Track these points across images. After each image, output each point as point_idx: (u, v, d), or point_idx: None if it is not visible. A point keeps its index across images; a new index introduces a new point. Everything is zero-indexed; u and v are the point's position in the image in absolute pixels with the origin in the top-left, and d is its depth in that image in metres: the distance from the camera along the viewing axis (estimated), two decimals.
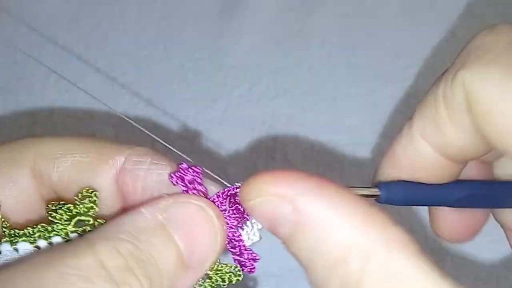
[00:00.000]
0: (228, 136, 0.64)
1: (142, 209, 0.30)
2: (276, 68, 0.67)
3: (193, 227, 0.30)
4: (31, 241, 0.30)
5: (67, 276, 0.26)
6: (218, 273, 0.33)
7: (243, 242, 0.33)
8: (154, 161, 0.33)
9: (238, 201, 0.32)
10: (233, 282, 0.33)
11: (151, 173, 0.33)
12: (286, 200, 0.28)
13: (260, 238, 0.34)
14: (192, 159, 0.33)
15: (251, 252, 0.33)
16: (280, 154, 0.64)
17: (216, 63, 0.67)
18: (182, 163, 0.32)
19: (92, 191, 0.32)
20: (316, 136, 0.64)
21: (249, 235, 0.33)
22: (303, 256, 0.28)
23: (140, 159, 0.33)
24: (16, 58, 0.67)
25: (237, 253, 0.33)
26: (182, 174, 0.32)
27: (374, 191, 0.34)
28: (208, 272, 0.32)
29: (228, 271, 0.33)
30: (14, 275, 0.26)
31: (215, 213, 0.31)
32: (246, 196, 0.29)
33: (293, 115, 0.65)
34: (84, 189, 0.32)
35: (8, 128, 0.65)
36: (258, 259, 0.33)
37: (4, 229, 0.31)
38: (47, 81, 0.66)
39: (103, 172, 0.33)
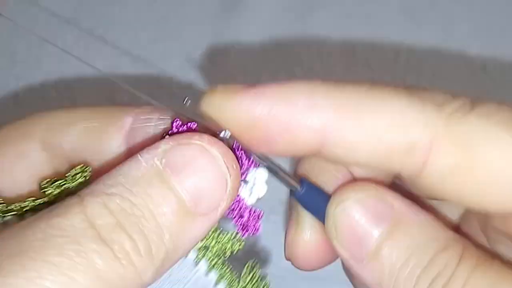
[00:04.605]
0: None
1: (139, 155, 0.27)
2: (276, 68, 0.67)
3: (195, 170, 0.27)
4: (19, 214, 0.29)
5: (53, 238, 0.24)
6: (219, 242, 0.30)
7: (243, 201, 0.30)
8: (162, 117, 0.32)
9: (236, 148, 0.29)
10: (236, 252, 0.31)
11: (159, 129, 0.32)
12: (384, 200, 0.29)
13: (265, 191, 0.30)
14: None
15: (253, 210, 0.30)
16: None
17: (216, 63, 0.67)
18: (176, 120, 0.29)
19: (85, 167, 0.31)
20: None
21: (251, 190, 0.30)
22: (397, 258, 0.29)
23: (148, 116, 0.33)
24: (16, 58, 0.67)
25: (237, 215, 0.30)
26: (175, 132, 0.29)
27: (295, 184, 0.31)
28: (207, 243, 0.30)
29: (227, 239, 0.30)
30: None
31: (221, 151, 0.28)
32: (344, 196, 0.30)
33: None
34: (77, 166, 0.31)
35: None
36: (261, 216, 0.30)
37: None
38: (47, 81, 0.66)
39: (113, 134, 0.33)
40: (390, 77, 0.65)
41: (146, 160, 0.27)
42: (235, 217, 0.30)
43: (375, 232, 0.29)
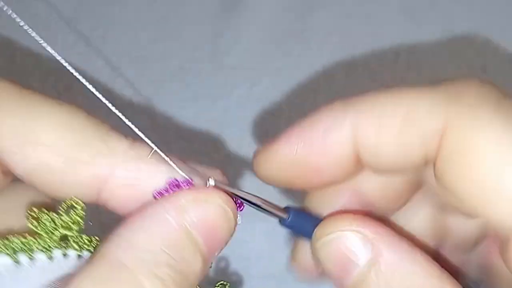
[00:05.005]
0: (228, 136, 0.64)
1: (166, 215, 0.27)
2: (276, 68, 0.67)
3: (214, 228, 0.29)
4: (9, 254, 0.27)
5: None
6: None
7: None
8: (146, 167, 0.29)
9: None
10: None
11: (148, 180, 0.29)
12: (364, 238, 0.29)
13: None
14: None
15: None
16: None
17: (216, 63, 0.67)
18: (172, 180, 0.29)
19: (78, 203, 0.29)
20: None
21: None
22: None
23: (130, 170, 0.29)
24: (16, 58, 0.67)
25: None
26: (169, 191, 0.29)
27: (282, 213, 0.33)
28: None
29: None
30: None
31: (233, 210, 0.30)
32: (322, 232, 0.30)
33: (292, 115, 0.65)
34: (70, 199, 0.29)
35: None
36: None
37: None
38: (47, 81, 0.66)
39: (79, 179, 0.28)
40: (390, 77, 0.65)
41: (175, 221, 0.28)
42: None
43: (353, 271, 0.29)
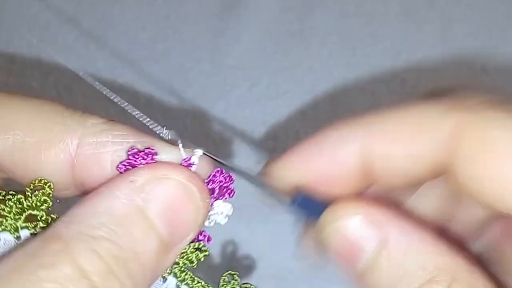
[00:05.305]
0: (228, 136, 0.64)
1: (117, 192, 0.27)
2: (276, 68, 0.67)
3: (175, 207, 0.27)
4: None
5: None
6: (183, 256, 0.30)
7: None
8: (116, 137, 0.29)
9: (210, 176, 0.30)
10: (202, 260, 0.30)
11: (117, 152, 0.28)
12: (372, 222, 0.29)
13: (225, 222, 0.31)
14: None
15: (205, 233, 0.30)
16: (281, 154, 0.63)
17: (216, 63, 0.67)
18: (133, 148, 0.28)
19: (46, 183, 0.29)
20: None
21: (213, 217, 0.30)
22: (384, 282, 0.29)
23: (98, 139, 0.29)
24: (16, 58, 0.67)
25: None
26: (131, 161, 0.28)
27: (287, 199, 0.32)
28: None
29: (193, 249, 0.30)
30: None
31: (198, 186, 0.28)
32: (328, 219, 0.30)
33: (293, 115, 0.65)
34: (36, 179, 0.29)
35: None
36: (209, 240, 0.31)
37: None
38: (46, 81, 0.66)
39: (52, 157, 0.28)
40: (390, 77, 0.65)
41: (125, 197, 0.26)
42: None
43: (362, 256, 0.29)
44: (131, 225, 0.26)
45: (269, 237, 0.60)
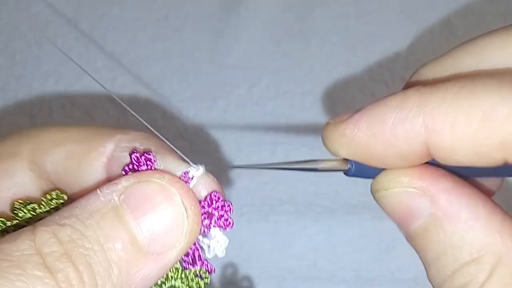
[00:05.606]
0: (228, 136, 0.64)
1: (99, 190, 0.27)
2: (276, 68, 0.67)
3: (152, 208, 0.27)
4: None
5: None
6: (184, 282, 0.30)
7: (199, 251, 0.29)
8: (140, 146, 0.30)
9: (207, 199, 0.29)
10: (203, 287, 0.30)
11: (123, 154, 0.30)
12: (425, 194, 0.29)
13: (223, 255, 0.30)
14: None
15: (207, 263, 0.30)
16: (280, 154, 0.63)
17: (216, 63, 0.67)
18: (134, 152, 0.29)
19: (60, 194, 0.30)
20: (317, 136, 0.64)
21: (213, 246, 0.29)
22: (430, 252, 0.29)
23: (128, 145, 0.30)
24: (16, 58, 0.67)
25: (188, 261, 0.29)
26: (134, 165, 0.29)
27: (343, 164, 0.32)
28: (173, 283, 0.30)
29: (192, 277, 0.30)
30: None
31: (181, 191, 0.28)
32: (382, 185, 0.30)
33: (293, 115, 0.65)
34: (53, 191, 0.31)
35: (7, 128, 0.65)
36: (212, 271, 0.30)
37: None
38: (46, 82, 0.66)
39: (92, 160, 0.31)
40: (390, 77, 0.65)
41: (104, 195, 0.27)
42: (185, 261, 0.30)
43: (414, 222, 0.29)
44: (102, 220, 0.26)
45: (269, 237, 0.60)
